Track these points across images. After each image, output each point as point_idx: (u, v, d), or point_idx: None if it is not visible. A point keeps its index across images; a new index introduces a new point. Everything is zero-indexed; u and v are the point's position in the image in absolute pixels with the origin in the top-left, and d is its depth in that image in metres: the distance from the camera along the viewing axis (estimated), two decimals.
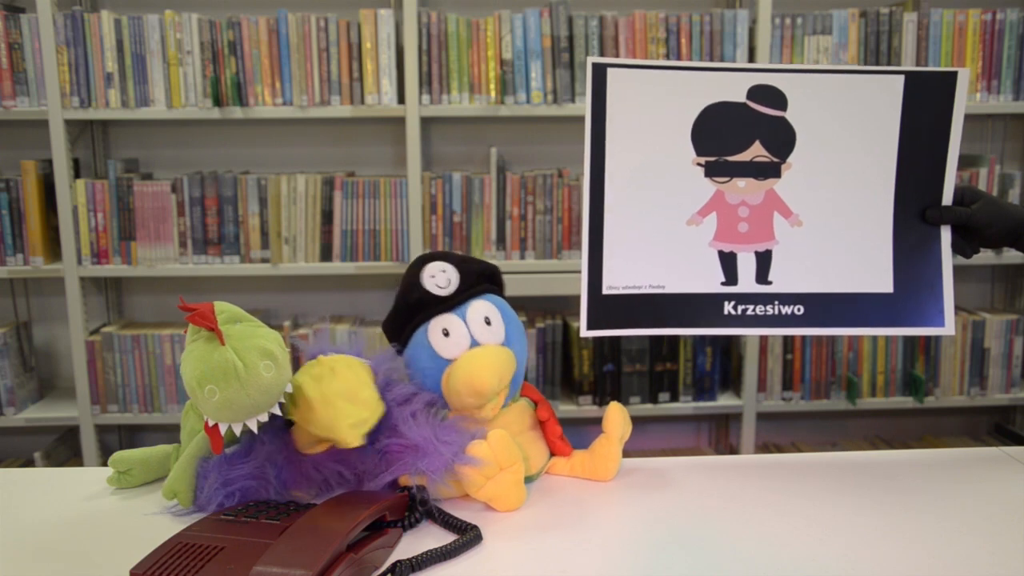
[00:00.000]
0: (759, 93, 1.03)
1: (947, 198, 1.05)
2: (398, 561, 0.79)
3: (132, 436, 2.59)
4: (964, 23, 2.31)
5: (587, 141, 1.01)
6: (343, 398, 0.87)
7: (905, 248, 1.06)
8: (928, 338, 2.42)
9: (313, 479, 0.91)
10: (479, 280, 0.99)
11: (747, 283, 1.05)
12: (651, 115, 1.02)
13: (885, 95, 1.04)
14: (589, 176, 1.01)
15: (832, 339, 2.41)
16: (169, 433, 2.46)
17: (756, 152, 1.04)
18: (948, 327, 1.06)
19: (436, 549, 0.81)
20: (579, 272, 1.02)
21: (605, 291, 1.02)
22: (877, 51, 2.30)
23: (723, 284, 1.05)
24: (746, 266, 1.05)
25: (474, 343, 0.95)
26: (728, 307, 1.05)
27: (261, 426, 0.87)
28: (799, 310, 1.05)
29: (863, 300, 1.05)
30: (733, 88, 1.03)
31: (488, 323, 0.96)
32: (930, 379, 2.44)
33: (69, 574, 0.80)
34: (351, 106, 2.26)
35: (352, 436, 0.87)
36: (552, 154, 2.54)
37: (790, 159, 1.04)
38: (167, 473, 0.97)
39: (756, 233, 1.05)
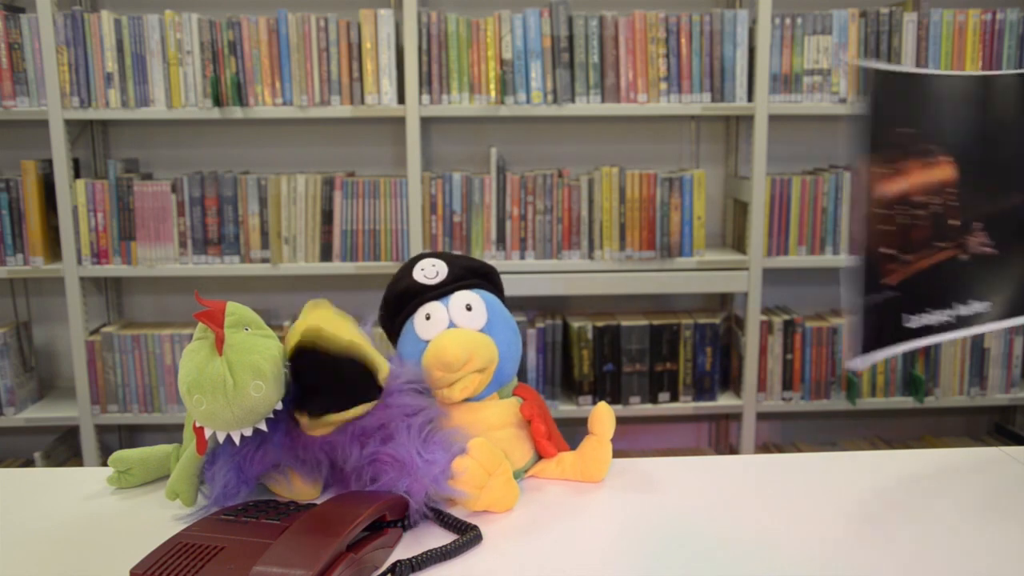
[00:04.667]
0: None
1: None
2: (398, 561, 0.79)
3: (132, 436, 2.59)
4: (964, 23, 2.31)
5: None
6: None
7: None
8: None
9: (302, 460, 0.90)
10: (468, 275, 1.00)
11: None
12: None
13: None
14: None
15: (832, 339, 2.41)
16: (169, 433, 2.46)
17: None
18: None
19: (436, 549, 0.81)
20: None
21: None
22: (877, 51, 2.30)
23: None
24: None
25: (452, 327, 0.95)
26: None
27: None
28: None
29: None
30: None
31: (469, 309, 0.97)
32: (930, 379, 2.44)
33: (69, 574, 0.80)
34: (351, 106, 2.26)
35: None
36: (552, 154, 2.54)
37: None
38: (167, 473, 0.97)
39: None
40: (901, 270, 0.97)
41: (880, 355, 0.96)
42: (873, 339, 0.94)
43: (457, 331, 0.95)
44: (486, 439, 0.91)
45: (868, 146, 0.94)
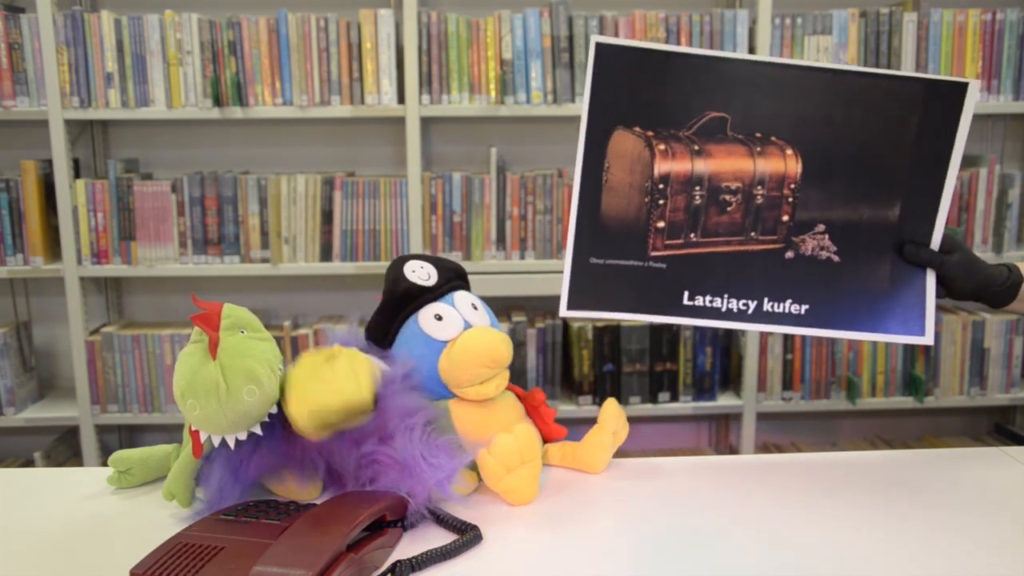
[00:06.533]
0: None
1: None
2: (398, 561, 0.79)
3: (132, 436, 2.59)
4: (964, 23, 2.31)
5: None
6: (318, 379, 0.85)
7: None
8: None
9: (299, 463, 0.90)
10: (453, 276, 1.02)
11: None
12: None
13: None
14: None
15: (832, 339, 2.41)
16: (169, 433, 2.46)
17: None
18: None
19: (436, 549, 0.81)
20: None
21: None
22: (877, 51, 2.30)
23: None
24: None
25: (467, 325, 0.97)
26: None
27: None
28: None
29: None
30: None
31: (475, 308, 1.00)
32: (930, 379, 2.44)
33: (69, 574, 0.80)
34: (351, 106, 2.26)
35: (306, 421, 0.84)
36: (552, 154, 2.54)
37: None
38: (167, 473, 0.97)
39: None
40: (678, 247, 0.97)
41: (619, 316, 0.97)
42: (598, 300, 0.96)
43: (491, 329, 0.97)
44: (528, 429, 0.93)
45: (627, 121, 0.93)
